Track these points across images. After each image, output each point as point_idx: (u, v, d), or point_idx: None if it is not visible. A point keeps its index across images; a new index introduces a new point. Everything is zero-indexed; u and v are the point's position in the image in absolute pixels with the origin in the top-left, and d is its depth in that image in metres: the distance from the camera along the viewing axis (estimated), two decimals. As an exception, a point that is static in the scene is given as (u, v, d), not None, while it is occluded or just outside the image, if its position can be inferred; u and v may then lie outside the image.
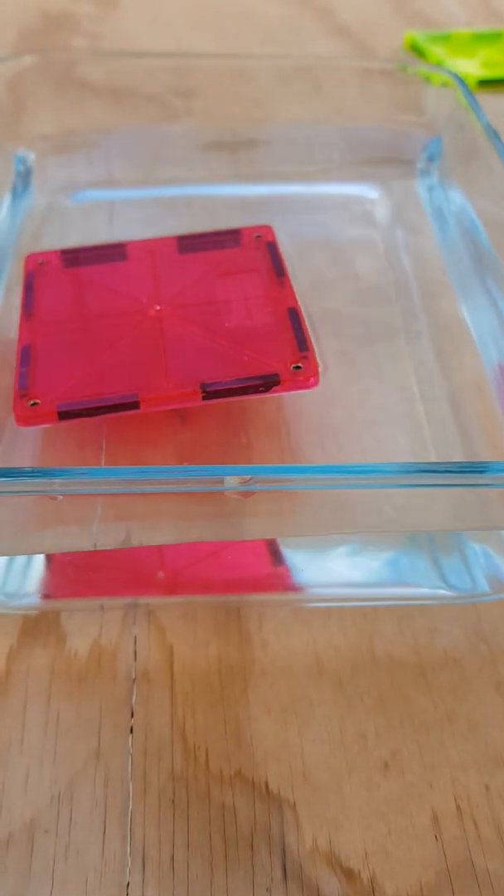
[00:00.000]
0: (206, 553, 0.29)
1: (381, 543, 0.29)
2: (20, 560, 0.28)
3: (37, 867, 0.23)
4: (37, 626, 0.28)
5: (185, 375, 0.30)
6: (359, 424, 0.33)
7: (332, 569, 0.29)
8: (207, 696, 0.26)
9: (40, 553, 0.28)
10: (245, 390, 0.30)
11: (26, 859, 0.23)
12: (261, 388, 0.30)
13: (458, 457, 0.31)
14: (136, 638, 0.28)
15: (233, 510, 0.24)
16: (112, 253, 0.36)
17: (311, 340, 0.31)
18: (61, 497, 0.23)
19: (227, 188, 0.44)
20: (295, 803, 0.24)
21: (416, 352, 0.35)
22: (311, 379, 0.30)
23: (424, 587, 0.29)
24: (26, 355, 0.31)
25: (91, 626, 0.28)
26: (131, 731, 0.25)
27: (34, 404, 0.29)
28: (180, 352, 0.31)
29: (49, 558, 0.28)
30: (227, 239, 0.37)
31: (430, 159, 0.43)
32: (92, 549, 0.25)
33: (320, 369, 0.31)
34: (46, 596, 0.29)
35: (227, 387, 0.30)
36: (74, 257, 0.36)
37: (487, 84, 0.55)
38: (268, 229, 0.37)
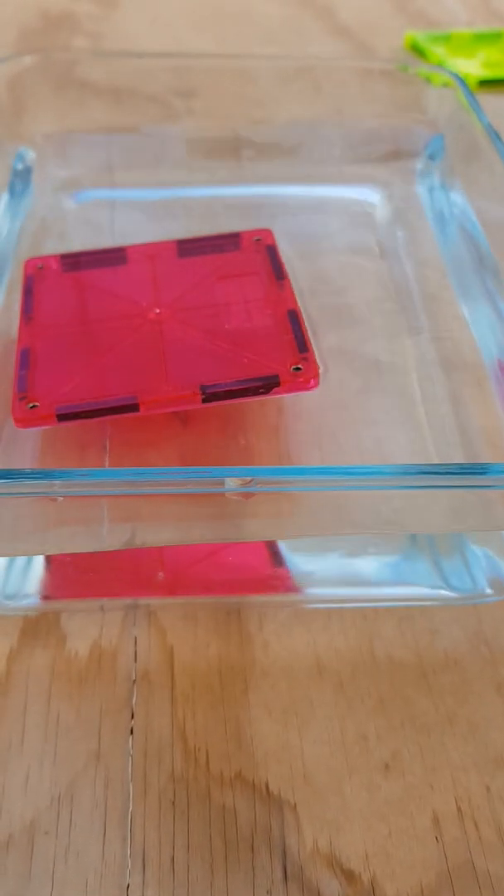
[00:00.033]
0: (206, 554, 0.29)
1: (381, 544, 0.29)
2: (20, 561, 0.28)
3: (37, 869, 0.23)
4: (37, 627, 0.28)
5: (184, 378, 0.30)
6: (358, 425, 0.32)
7: (332, 570, 0.29)
8: (208, 697, 0.26)
9: (42, 554, 0.28)
10: (245, 392, 0.30)
11: (26, 861, 0.23)
12: (261, 390, 0.30)
13: (458, 457, 0.31)
14: (136, 639, 0.27)
15: (233, 511, 0.24)
16: (112, 257, 0.36)
17: (310, 342, 0.31)
18: (62, 498, 0.23)
19: (228, 190, 0.44)
20: (295, 805, 0.24)
21: (416, 352, 0.35)
22: (312, 380, 0.30)
23: (425, 588, 0.29)
24: (25, 358, 0.31)
25: (91, 626, 0.28)
26: (131, 732, 0.25)
27: (33, 407, 0.29)
28: (180, 354, 0.31)
29: (49, 559, 0.28)
30: (226, 242, 0.37)
31: (431, 159, 0.43)
32: (93, 550, 0.25)
33: (320, 370, 0.31)
34: (46, 597, 0.29)
35: (227, 389, 0.30)
36: (74, 261, 0.36)
37: (488, 84, 0.55)
38: (268, 233, 0.37)
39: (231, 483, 0.22)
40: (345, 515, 0.25)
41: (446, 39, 0.60)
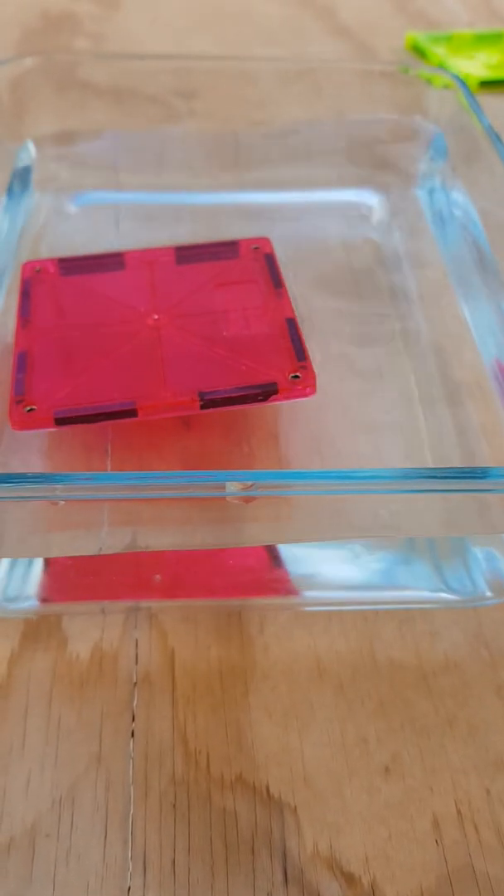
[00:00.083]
0: (206, 557, 0.29)
1: (381, 547, 0.29)
2: (21, 564, 0.28)
3: (38, 872, 0.23)
4: (38, 630, 0.28)
5: (183, 384, 0.30)
6: (357, 428, 0.33)
7: (332, 572, 0.29)
8: (209, 699, 0.26)
9: (44, 557, 0.28)
10: (243, 399, 0.30)
11: (27, 864, 0.23)
12: (259, 397, 0.30)
13: (456, 460, 0.31)
14: (137, 641, 0.28)
15: (234, 515, 0.24)
16: (110, 262, 0.36)
17: (308, 351, 0.31)
18: (63, 502, 0.23)
19: (228, 193, 0.44)
20: (296, 807, 0.24)
21: (414, 354, 0.35)
22: (309, 388, 0.30)
23: (425, 591, 0.29)
24: (23, 362, 0.31)
25: (92, 629, 0.28)
26: (132, 734, 0.26)
27: (30, 410, 0.29)
28: (178, 360, 0.31)
29: (50, 562, 0.28)
30: (224, 250, 0.37)
31: (432, 161, 0.43)
32: (95, 553, 0.25)
33: (318, 373, 0.31)
34: (48, 600, 0.29)
35: (225, 395, 0.30)
36: (71, 266, 0.36)
37: (489, 85, 0.55)
38: (266, 241, 0.37)
39: (232, 487, 0.22)
40: (344, 519, 0.25)
41: (447, 40, 0.60)
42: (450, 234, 0.40)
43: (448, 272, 0.39)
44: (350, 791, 0.25)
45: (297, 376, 0.30)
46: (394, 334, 0.36)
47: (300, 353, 0.31)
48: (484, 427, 0.32)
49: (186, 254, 0.37)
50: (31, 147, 0.43)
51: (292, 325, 0.32)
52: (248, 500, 0.23)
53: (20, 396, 0.30)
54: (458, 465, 0.31)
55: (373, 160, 0.44)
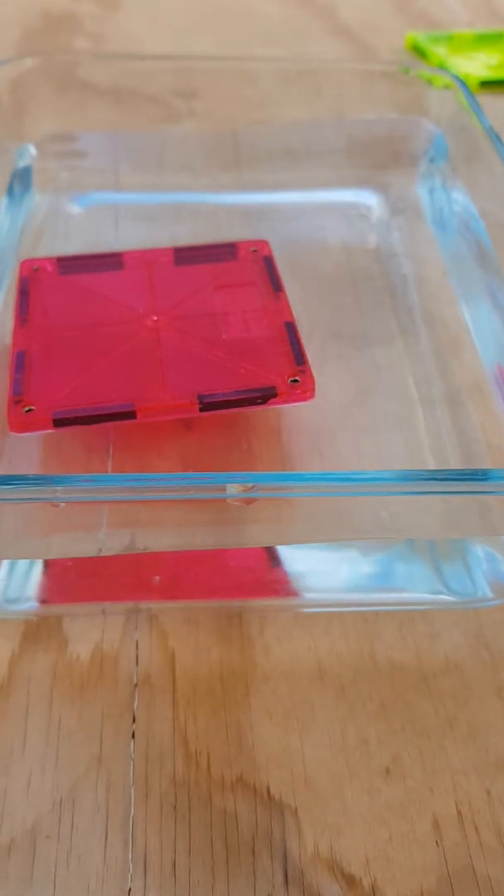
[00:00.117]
0: (206, 558, 0.29)
1: (382, 548, 0.29)
2: (22, 565, 0.28)
3: (38, 873, 0.23)
4: (38, 631, 0.28)
5: (182, 386, 0.30)
6: (357, 429, 0.33)
7: (333, 574, 0.29)
8: (209, 701, 0.26)
9: (44, 558, 0.28)
10: (242, 402, 0.30)
11: (28, 865, 0.23)
12: (258, 401, 0.30)
13: (456, 460, 0.31)
14: (137, 643, 0.28)
15: (234, 517, 0.24)
16: (108, 262, 0.36)
17: (307, 356, 0.31)
18: (63, 504, 0.23)
19: (228, 194, 0.44)
20: (296, 809, 0.24)
21: (414, 355, 0.35)
22: (308, 393, 0.30)
23: (426, 592, 0.29)
24: (21, 361, 0.31)
25: (93, 630, 0.28)
26: (133, 736, 0.26)
27: (29, 411, 0.29)
28: (177, 362, 0.31)
29: (50, 563, 0.28)
30: (223, 252, 0.37)
31: (432, 161, 0.43)
32: (96, 554, 0.25)
33: (317, 373, 0.31)
34: (48, 601, 0.29)
35: (224, 399, 0.30)
36: (70, 265, 0.36)
37: (489, 85, 0.55)
38: (264, 244, 0.37)
39: (233, 489, 0.22)
40: (345, 521, 0.25)
41: (447, 40, 0.59)
42: (450, 235, 0.40)
43: (448, 273, 0.39)
44: (351, 792, 0.25)
45: (296, 380, 0.30)
46: (393, 335, 0.36)
47: (299, 358, 0.31)
48: (484, 428, 0.32)
49: (185, 255, 0.37)
50: (32, 147, 0.43)
51: (291, 330, 0.33)
52: (248, 501, 0.23)
53: (18, 396, 0.30)
54: (459, 467, 0.31)
55: (373, 160, 0.44)
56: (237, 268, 0.36)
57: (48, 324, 0.33)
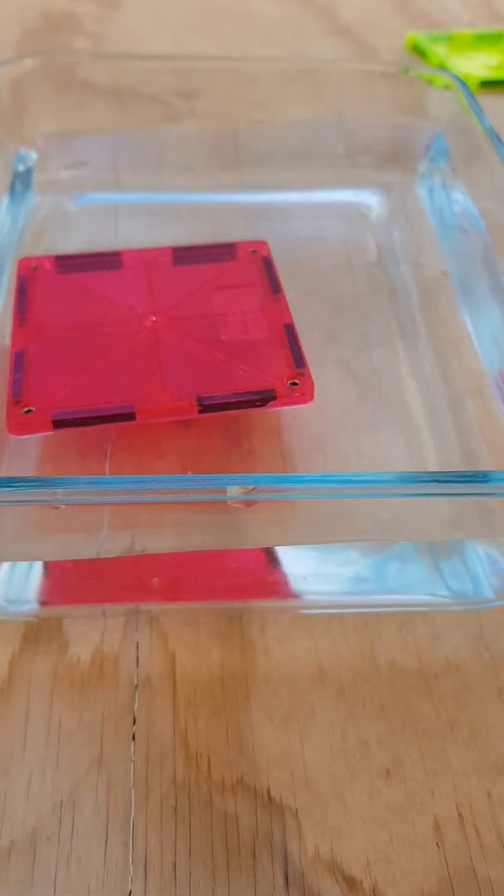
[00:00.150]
0: (206, 559, 0.29)
1: (382, 550, 0.29)
2: (22, 566, 0.28)
3: (39, 875, 0.23)
4: (39, 633, 0.28)
5: (181, 388, 0.30)
6: (358, 429, 0.33)
7: (333, 575, 0.29)
8: (210, 702, 0.26)
9: (44, 559, 0.28)
10: (241, 404, 0.30)
11: (28, 867, 0.23)
12: (257, 403, 0.30)
13: (457, 461, 0.31)
14: (138, 644, 0.28)
15: (234, 518, 0.24)
16: (107, 261, 0.36)
17: (306, 358, 0.31)
18: (64, 506, 0.23)
19: (228, 194, 0.44)
20: (297, 811, 0.24)
21: (414, 356, 0.35)
22: (307, 396, 0.30)
23: (426, 593, 0.29)
24: (19, 361, 0.31)
25: (93, 632, 0.28)
26: (133, 738, 0.26)
27: (28, 411, 0.29)
28: (176, 364, 0.31)
29: (50, 565, 0.28)
30: (222, 252, 0.37)
31: (432, 162, 0.43)
32: (95, 556, 0.25)
33: (317, 374, 0.31)
34: (48, 602, 0.29)
35: (223, 401, 0.30)
36: (68, 263, 0.36)
37: (489, 85, 0.55)
38: (263, 244, 0.37)
39: (233, 491, 0.22)
40: (346, 522, 0.25)
41: (447, 40, 0.59)
42: (450, 235, 0.40)
43: (448, 273, 0.39)
44: (351, 794, 0.25)
45: (295, 383, 0.30)
46: (393, 336, 0.36)
47: (299, 360, 0.31)
48: (484, 430, 0.32)
49: (184, 255, 0.37)
50: (32, 147, 0.43)
51: (290, 332, 0.32)
52: (249, 503, 0.23)
53: (18, 397, 0.30)
54: (461, 469, 0.31)
55: (373, 161, 0.44)
56: (236, 268, 0.36)
57: (47, 323, 0.33)
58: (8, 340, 0.33)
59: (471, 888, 0.23)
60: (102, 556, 0.25)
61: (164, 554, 0.28)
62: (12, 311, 0.34)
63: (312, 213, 0.43)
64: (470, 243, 0.38)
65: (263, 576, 0.29)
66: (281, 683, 0.27)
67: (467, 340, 0.36)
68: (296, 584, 0.29)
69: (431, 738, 0.26)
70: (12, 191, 0.42)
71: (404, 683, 0.27)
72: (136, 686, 0.27)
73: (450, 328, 0.36)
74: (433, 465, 0.31)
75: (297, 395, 0.30)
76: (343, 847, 0.24)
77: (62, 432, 0.30)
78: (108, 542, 0.24)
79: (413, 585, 0.29)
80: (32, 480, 0.22)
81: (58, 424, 0.29)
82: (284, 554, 0.29)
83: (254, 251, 0.37)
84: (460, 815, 0.24)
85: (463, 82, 0.41)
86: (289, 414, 0.33)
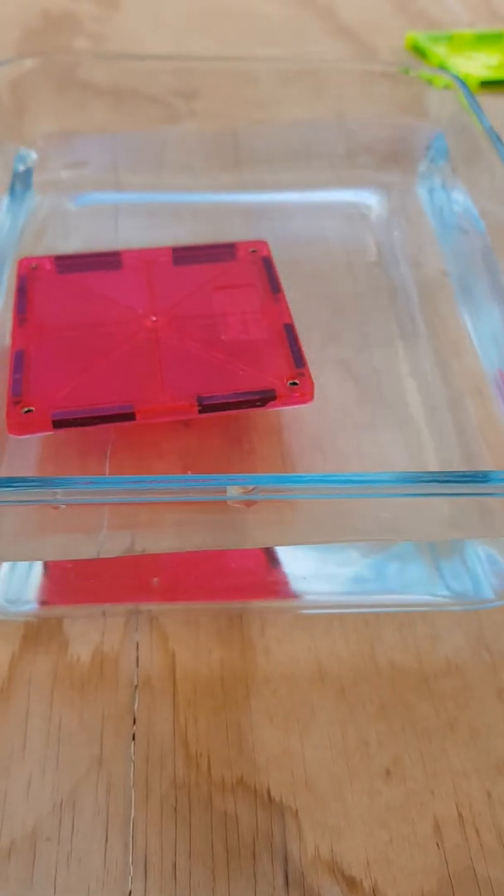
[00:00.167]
0: (206, 559, 0.29)
1: (382, 549, 0.29)
2: (22, 566, 0.28)
3: (39, 875, 0.23)
4: (39, 633, 0.28)
5: (181, 388, 0.30)
6: (358, 428, 0.33)
7: (333, 575, 0.29)
8: (210, 702, 0.26)
9: (43, 559, 0.28)
10: (241, 404, 0.30)
11: (28, 867, 0.23)
12: (257, 403, 0.30)
13: (457, 461, 0.31)
14: (138, 644, 0.28)
15: (234, 518, 0.24)
16: (106, 261, 0.36)
17: (306, 358, 0.31)
18: (64, 506, 0.23)
19: (228, 194, 0.44)
20: (297, 811, 0.24)
21: (414, 356, 0.35)
22: (307, 396, 0.30)
23: (426, 593, 0.29)
24: (19, 361, 0.31)
25: (93, 632, 0.28)
26: (133, 738, 0.26)
27: (28, 411, 0.29)
28: (176, 364, 0.31)
29: (50, 565, 0.28)
30: (222, 252, 0.37)
31: (432, 162, 0.43)
32: (95, 556, 0.25)
33: (317, 375, 0.31)
34: (48, 602, 0.29)
35: (223, 401, 0.30)
36: (68, 263, 0.36)
37: (489, 85, 0.55)
38: (263, 244, 0.37)
39: (233, 491, 0.22)
40: (346, 522, 0.25)
41: (447, 40, 0.59)
42: (450, 235, 0.40)
43: (448, 273, 0.39)
44: (351, 794, 0.25)
45: (295, 383, 0.30)
46: (393, 337, 0.36)
47: (298, 360, 0.31)
48: (484, 430, 0.32)
49: (183, 255, 0.37)
50: (32, 147, 0.43)
51: (290, 332, 0.32)
52: (249, 503, 0.23)
53: (18, 397, 0.30)
54: (461, 469, 0.31)
55: (373, 161, 0.44)
56: (236, 268, 0.36)
57: (47, 323, 0.33)
58: (8, 340, 0.33)
59: (471, 888, 0.23)
60: (102, 556, 0.25)
61: (164, 554, 0.28)
62: (12, 311, 0.34)
63: (312, 213, 0.43)
64: (470, 243, 0.38)
65: (263, 576, 0.29)
66: (281, 683, 0.27)
67: (467, 340, 0.36)
68: (296, 584, 0.29)
69: (431, 738, 0.26)
70: (12, 191, 0.42)
71: (404, 683, 0.27)
72: (136, 686, 0.27)
73: (450, 328, 0.36)
74: (433, 465, 0.31)
75: (297, 395, 0.30)
76: (343, 847, 0.24)
77: (62, 432, 0.30)
78: (108, 542, 0.24)
79: (413, 585, 0.29)
80: (32, 480, 0.22)
81: (58, 424, 0.29)
82: (284, 554, 0.29)
83: (254, 251, 0.37)
84: (460, 815, 0.24)
85: (463, 82, 0.41)
86: (289, 414, 0.33)
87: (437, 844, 0.24)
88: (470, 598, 0.28)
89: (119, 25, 0.61)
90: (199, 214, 0.43)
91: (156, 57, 0.47)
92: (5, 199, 0.41)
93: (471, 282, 0.37)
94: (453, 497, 0.23)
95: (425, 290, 0.38)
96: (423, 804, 0.25)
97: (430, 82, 0.42)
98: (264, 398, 0.30)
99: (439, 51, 0.58)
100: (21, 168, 0.43)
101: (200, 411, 0.30)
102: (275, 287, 0.35)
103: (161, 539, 0.26)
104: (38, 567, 0.28)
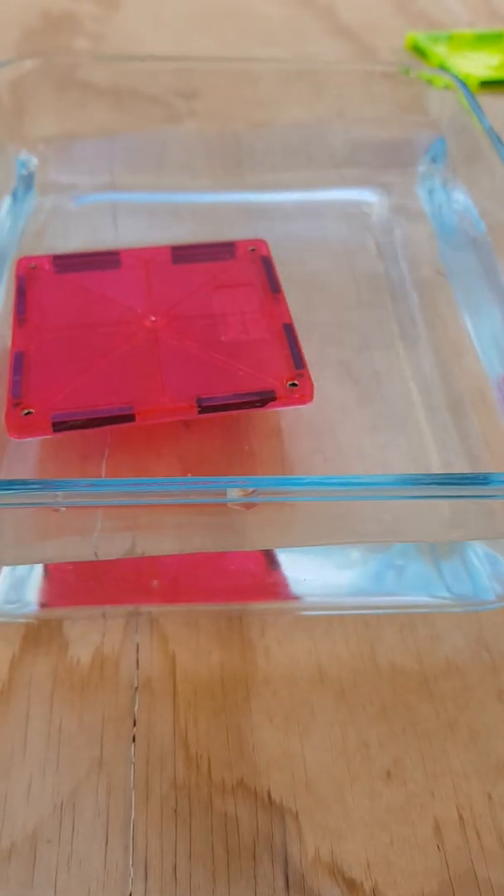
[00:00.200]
0: (206, 561, 0.29)
1: (382, 551, 0.29)
2: (22, 568, 0.28)
3: (39, 877, 0.23)
4: (39, 634, 0.28)
5: (180, 388, 0.30)
6: (359, 430, 0.33)
7: (333, 576, 0.29)
8: (210, 704, 0.26)
9: (43, 563, 0.28)
10: (241, 405, 0.30)
11: (29, 869, 0.23)
12: (257, 404, 0.30)
13: (459, 462, 0.31)
14: (138, 646, 0.28)
15: (234, 520, 0.24)
16: (105, 260, 0.36)
17: (306, 358, 0.31)
18: (64, 509, 0.23)
19: (229, 194, 0.44)
20: (297, 813, 0.24)
21: (415, 357, 0.35)
22: (307, 396, 0.30)
23: (426, 595, 0.29)
24: (19, 363, 0.31)
25: (93, 633, 0.28)
26: (133, 739, 0.26)
27: (28, 413, 0.29)
28: (176, 364, 0.31)
29: (50, 567, 0.28)
30: (221, 251, 0.36)
31: (433, 162, 0.43)
32: (94, 559, 0.25)
33: (317, 376, 0.31)
34: (48, 604, 0.29)
35: (223, 402, 0.30)
36: (67, 263, 0.36)
37: (489, 85, 0.55)
38: (262, 243, 0.37)
39: (233, 493, 0.22)
40: (346, 524, 0.25)
41: (447, 40, 0.59)
42: (451, 236, 0.40)
43: (448, 274, 0.39)
44: (351, 796, 0.25)
45: (294, 384, 0.30)
46: (394, 338, 0.36)
47: (298, 361, 0.31)
48: (485, 431, 0.32)
49: (182, 254, 0.36)
50: (33, 148, 0.43)
51: (290, 332, 0.32)
52: (249, 506, 0.23)
53: (17, 399, 0.30)
54: (462, 471, 0.31)
55: (373, 160, 0.44)
56: (235, 267, 0.36)
57: (46, 324, 0.33)
58: (8, 342, 0.32)
59: (471, 890, 0.23)
60: (102, 558, 0.25)
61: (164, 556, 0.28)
62: (12, 310, 0.33)
63: (312, 213, 0.43)
64: (470, 244, 0.38)
65: (263, 577, 0.29)
66: (281, 685, 0.27)
67: (468, 341, 0.36)
68: (296, 586, 0.29)
69: (432, 739, 0.26)
70: (14, 192, 0.42)
71: (405, 685, 0.27)
72: (137, 688, 0.27)
73: (450, 329, 0.36)
74: (434, 467, 0.31)
75: (297, 395, 0.30)
76: (343, 849, 0.24)
77: (61, 435, 0.30)
78: (108, 545, 0.24)
79: (413, 587, 0.29)
80: (33, 483, 0.22)
81: (57, 427, 0.29)
82: (284, 555, 0.29)
83: (253, 250, 0.37)
84: (461, 816, 0.24)
85: (463, 83, 0.41)
86: (289, 416, 0.33)
87: (438, 846, 0.24)
88: (470, 599, 0.28)
89: (119, 25, 0.61)
90: (198, 215, 0.43)
91: (156, 58, 0.47)
92: (8, 200, 0.41)
93: (471, 282, 0.37)
94: (454, 499, 0.23)
95: (425, 290, 0.38)
96: (423, 806, 0.25)
97: (430, 83, 0.42)
98: (264, 399, 0.30)
99: (439, 51, 0.58)
100: (24, 172, 0.43)
101: (200, 412, 0.30)
102: (274, 286, 0.35)
103: (161, 541, 0.26)
104: (38, 569, 0.28)
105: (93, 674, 0.27)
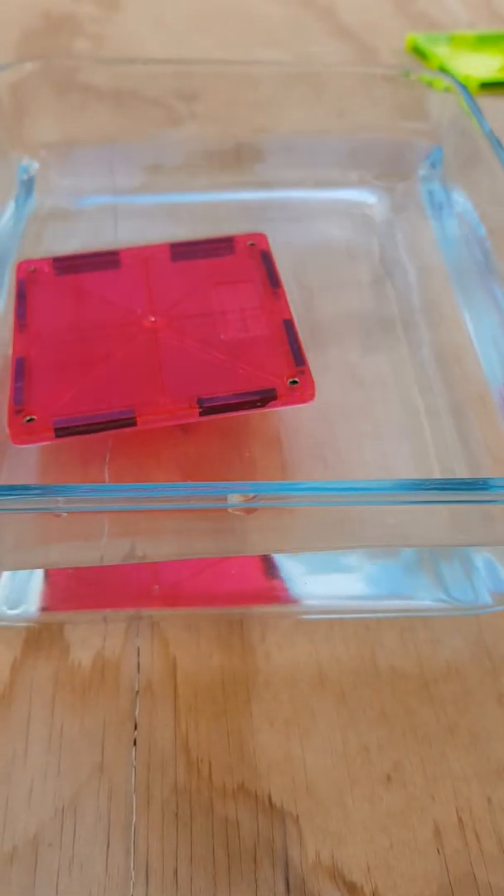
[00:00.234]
0: (207, 565, 0.29)
1: (383, 555, 0.29)
2: (23, 572, 0.28)
3: (41, 881, 0.23)
4: (40, 638, 0.28)
5: (181, 390, 0.30)
6: (360, 435, 0.33)
7: (334, 581, 0.29)
8: (211, 707, 0.26)
9: (45, 567, 0.28)
10: (242, 405, 0.30)
11: (30, 873, 0.23)
12: (258, 403, 0.30)
13: (461, 468, 0.31)
14: (139, 649, 0.28)
15: (234, 525, 0.24)
16: (105, 261, 0.36)
17: (306, 355, 0.31)
18: (66, 514, 0.23)
19: (229, 194, 0.44)
20: (298, 816, 0.24)
21: (417, 361, 0.35)
22: (308, 394, 0.30)
23: (427, 599, 0.29)
24: (20, 369, 0.31)
25: (94, 637, 0.28)
26: (135, 743, 0.26)
27: (30, 420, 0.29)
28: (176, 365, 0.31)
29: (51, 571, 0.28)
30: (220, 247, 0.36)
31: (433, 165, 0.43)
32: (97, 563, 0.25)
33: (319, 380, 0.31)
34: (50, 608, 0.29)
35: (224, 402, 0.30)
36: (66, 265, 0.36)
37: (489, 86, 0.55)
38: (262, 237, 0.37)
39: (234, 499, 0.22)
40: (347, 529, 0.25)
41: (448, 41, 0.59)
42: (451, 238, 0.40)
43: (449, 276, 0.39)
44: (352, 800, 0.25)
45: (295, 381, 0.30)
46: (395, 340, 0.36)
47: (298, 358, 0.31)
48: (486, 436, 0.32)
49: (181, 251, 0.36)
50: (33, 151, 0.43)
51: (290, 328, 0.32)
52: (249, 511, 0.23)
53: (19, 406, 0.30)
54: (463, 475, 0.31)
55: (374, 163, 0.44)
56: (235, 263, 0.36)
57: (46, 328, 0.33)
58: (9, 347, 0.32)
59: (471, 894, 0.23)
60: (103, 563, 0.25)
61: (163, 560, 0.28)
62: (13, 314, 0.33)
63: (313, 213, 0.43)
64: (470, 246, 0.38)
65: (264, 581, 0.29)
66: (282, 688, 0.27)
67: (468, 344, 0.36)
68: (296, 590, 0.29)
69: (432, 743, 0.26)
70: (16, 197, 0.42)
71: (405, 688, 0.27)
72: (138, 691, 0.27)
73: (452, 332, 0.36)
74: (435, 472, 0.31)
75: (298, 394, 0.30)
76: (344, 853, 0.24)
77: (62, 440, 0.30)
78: (109, 550, 0.25)
79: (413, 590, 0.29)
80: (34, 488, 0.22)
81: (59, 433, 0.29)
82: (285, 560, 0.29)
83: (252, 244, 0.36)
84: (461, 820, 0.24)
85: (463, 86, 0.41)
86: (290, 420, 0.33)
87: (438, 850, 0.24)
88: (470, 603, 0.28)
89: (119, 27, 0.61)
90: (199, 215, 0.43)
91: (156, 60, 0.47)
92: (11, 205, 0.41)
93: (471, 285, 0.37)
94: (454, 504, 0.23)
95: (426, 291, 0.38)
96: (423, 809, 0.25)
97: (430, 85, 0.42)
98: (265, 398, 0.30)
99: (440, 52, 0.58)
100: (24, 177, 0.43)
101: (201, 413, 0.29)
102: (274, 281, 0.34)
103: (162, 546, 0.26)
104: (39, 573, 0.28)
105: (94, 678, 0.27)
